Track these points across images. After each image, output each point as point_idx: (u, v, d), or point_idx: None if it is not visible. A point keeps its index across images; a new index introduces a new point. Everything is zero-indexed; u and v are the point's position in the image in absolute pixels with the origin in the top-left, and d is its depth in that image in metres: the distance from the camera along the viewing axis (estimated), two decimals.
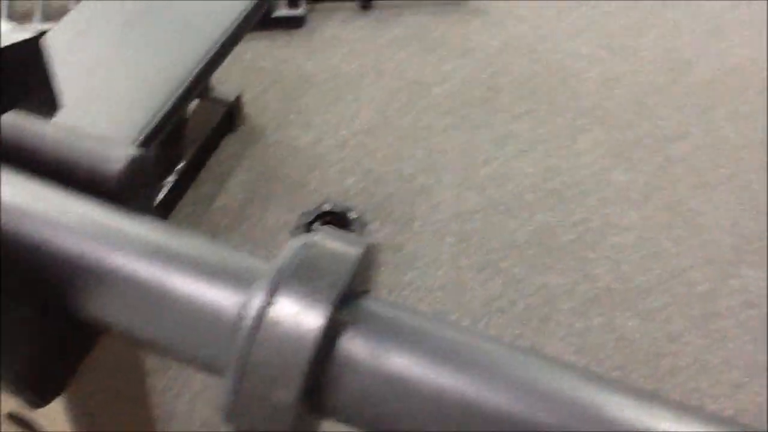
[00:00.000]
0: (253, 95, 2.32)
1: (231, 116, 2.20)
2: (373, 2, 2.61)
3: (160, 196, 1.94)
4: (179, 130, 1.93)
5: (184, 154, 2.00)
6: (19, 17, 2.51)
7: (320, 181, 2.11)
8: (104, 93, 1.41)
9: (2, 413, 0.57)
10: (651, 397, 0.41)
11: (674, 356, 1.79)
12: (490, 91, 2.37)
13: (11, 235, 0.43)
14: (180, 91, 1.43)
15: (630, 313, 1.85)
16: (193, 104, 2.14)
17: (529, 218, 2.04)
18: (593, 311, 1.85)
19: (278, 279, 0.41)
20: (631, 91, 2.39)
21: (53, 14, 2.42)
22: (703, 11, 2.71)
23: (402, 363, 0.41)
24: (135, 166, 0.50)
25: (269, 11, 2.19)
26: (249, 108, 2.27)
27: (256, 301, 0.40)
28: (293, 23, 2.51)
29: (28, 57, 0.53)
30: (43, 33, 0.59)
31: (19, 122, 0.52)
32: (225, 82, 2.27)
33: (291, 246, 0.43)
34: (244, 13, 1.57)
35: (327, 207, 0.93)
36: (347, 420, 0.43)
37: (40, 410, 0.51)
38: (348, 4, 2.60)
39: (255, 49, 2.45)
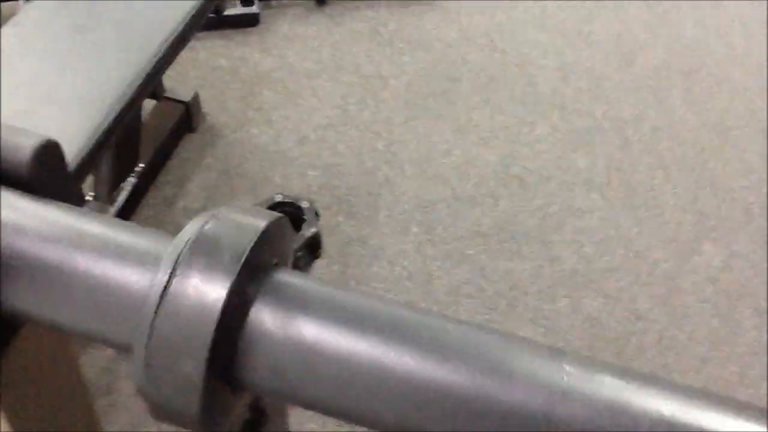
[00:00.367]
0: (211, 94, 2.29)
1: (189, 116, 2.17)
2: None
3: (120, 199, 1.91)
4: (135, 132, 1.90)
5: (142, 156, 1.97)
6: None
7: (282, 177, 2.09)
8: (53, 96, 1.38)
9: None
10: (537, 347, 0.42)
11: (641, 334, 1.81)
12: (449, 82, 2.37)
13: None
14: (130, 92, 1.41)
15: (595, 294, 1.88)
16: (150, 105, 2.12)
17: (492, 205, 2.05)
18: (559, 293, 1.87)
19: (181, 254, 0.41)
20: (586, 76, 2.41)
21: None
22: None
23: (312, 331, 0.41)
24: (44, 154, 0.49)
25: (219, 10, 2.17)
26: (207, 107, 2.25)
27: (160, 276, 0.40)
28: (248, 21, 2.50)
29: None
30: None
31: None
32: (182, 82, 2.25)
33: (195, 221, 0.43)
34: (192, 13, 1.57)
35: (278, 198, 0.92)
36: (265, 392, 0.43)
37: None
38: (302, 0, 2.59)
39: (211, 48, 2.43)
